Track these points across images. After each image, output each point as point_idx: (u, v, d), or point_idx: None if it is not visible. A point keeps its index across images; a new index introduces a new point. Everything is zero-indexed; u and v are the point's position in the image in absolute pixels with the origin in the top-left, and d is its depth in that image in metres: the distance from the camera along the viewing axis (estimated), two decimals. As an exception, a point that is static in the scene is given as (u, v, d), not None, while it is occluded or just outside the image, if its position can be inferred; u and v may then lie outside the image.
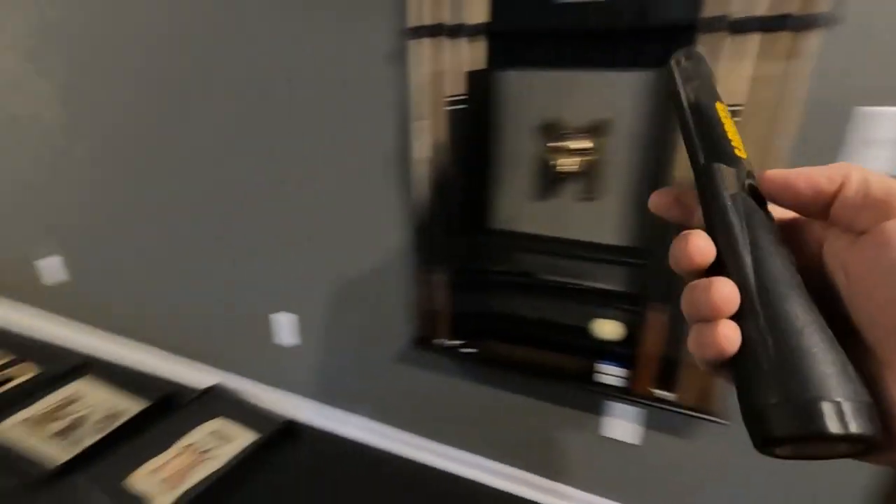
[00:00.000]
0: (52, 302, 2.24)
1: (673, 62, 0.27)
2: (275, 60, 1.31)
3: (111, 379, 1.96)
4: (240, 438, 1.67)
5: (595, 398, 1.26)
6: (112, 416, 1.77)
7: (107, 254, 1.94)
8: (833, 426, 0.18)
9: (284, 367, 1.76)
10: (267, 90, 1.35)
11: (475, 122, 1.09)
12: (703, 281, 0.21)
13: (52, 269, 2.12)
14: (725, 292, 0.20)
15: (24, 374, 2.01)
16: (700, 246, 0.22)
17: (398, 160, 1.26)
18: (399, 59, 1.16)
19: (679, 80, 0.26)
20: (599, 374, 1.17)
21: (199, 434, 1.68)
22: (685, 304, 0.22)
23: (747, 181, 0.23)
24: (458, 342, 1.34)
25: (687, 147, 0.25)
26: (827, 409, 0.18)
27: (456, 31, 1.03)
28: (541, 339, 1.25)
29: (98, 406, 1.82)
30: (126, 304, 2.01)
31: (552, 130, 1.04)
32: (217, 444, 1.64)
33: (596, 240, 1.13)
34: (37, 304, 2.29)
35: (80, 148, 1.77)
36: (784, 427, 0.18)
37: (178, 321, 1.91)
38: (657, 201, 0.26)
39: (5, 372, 2.02)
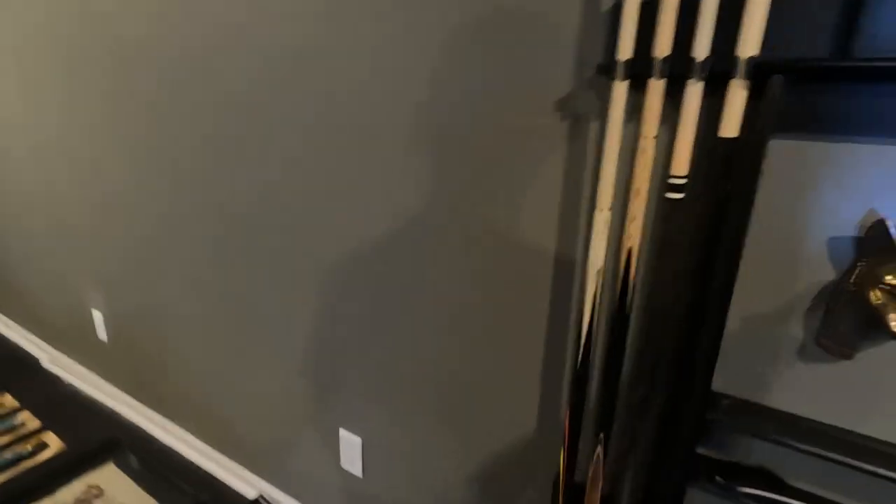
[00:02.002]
0: (97, 360, 1.97)
1: None
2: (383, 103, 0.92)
3: (141, 469, 1.62)
4: None
5: None
6: (133, 529, 1.42)
7: (150, 316, 1.63)
8: None
9: (351, 499, 1.33)
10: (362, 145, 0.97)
11: (715, 223, 0.62)
12: None
13: (99, 323, 1.86)
14: None
15: (51, 447, 1.72)
16: None
17: (549, 260, 0.82)
18: (576, 112, 0.73)
19: None
20: None
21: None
22: None
23: None
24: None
25: None
26: None
27: (693, 69, 0.58)
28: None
29: (120, 510, 1.48)
30: (170, 381, 1.69)
31: (885, 254, 0.55)
32: None
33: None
34: (85, 360, 2.05)
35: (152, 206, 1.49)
36: None
37: (225, 409, 1.55)
38: None
39: (34, 439, 1.75)
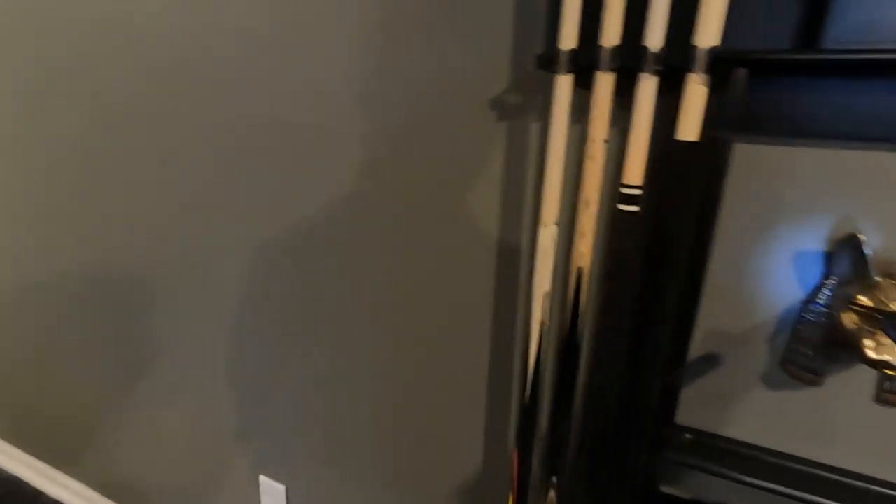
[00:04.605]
0: None
1: None
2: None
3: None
4: None
5: None
6: None
7: (28, 349, 1.38)
8: None
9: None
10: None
11: (673, 239, 0.54)
12: None
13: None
14: None
15: None
16: None
17: (491, 288, 0.72)
18: (515, 112, 0.63)
19: None
20: None
21: None
22: None
23: None
24: None
25: None
26: None
27: (646, 60, 0.50)
28: None
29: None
30: (57, 423, 1.44)
31: (858, 271, 0.49)
32: None
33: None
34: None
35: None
36: None
37: (127, 454, 1.33)
38: None
39: None
